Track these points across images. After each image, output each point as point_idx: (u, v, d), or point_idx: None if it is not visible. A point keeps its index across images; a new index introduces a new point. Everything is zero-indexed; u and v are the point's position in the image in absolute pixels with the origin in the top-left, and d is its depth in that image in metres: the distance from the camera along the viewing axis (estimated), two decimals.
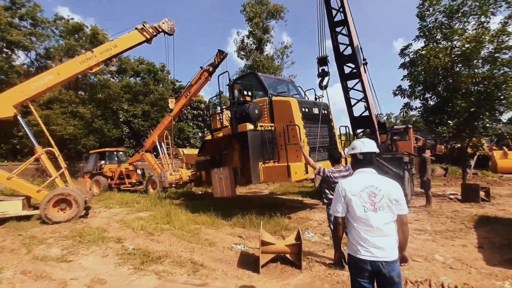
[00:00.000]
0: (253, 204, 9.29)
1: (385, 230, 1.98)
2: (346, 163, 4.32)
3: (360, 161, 2.25)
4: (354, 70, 9.13)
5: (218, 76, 7.67)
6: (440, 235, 5.45)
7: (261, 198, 11.33)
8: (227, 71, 7.71)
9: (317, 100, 8.72)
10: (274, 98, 7.42)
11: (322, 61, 7.19)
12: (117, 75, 27.47)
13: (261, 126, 6.95)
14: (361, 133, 10.34)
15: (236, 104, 7.50)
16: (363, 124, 9.87)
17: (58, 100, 20.52)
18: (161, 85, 31.87)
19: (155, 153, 16.40)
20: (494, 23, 8.98)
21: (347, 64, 9.51)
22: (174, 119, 14.42)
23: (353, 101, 10.06)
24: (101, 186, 14.72)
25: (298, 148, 6.59)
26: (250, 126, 6.71)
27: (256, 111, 6.95)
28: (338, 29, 8.87)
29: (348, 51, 9.22)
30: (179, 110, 14.12)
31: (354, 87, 9.69)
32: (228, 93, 9.22)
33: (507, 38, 8.37)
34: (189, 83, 13.82)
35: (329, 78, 7.23)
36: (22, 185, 8.18)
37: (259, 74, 8.29)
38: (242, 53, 23.67)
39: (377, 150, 2.28)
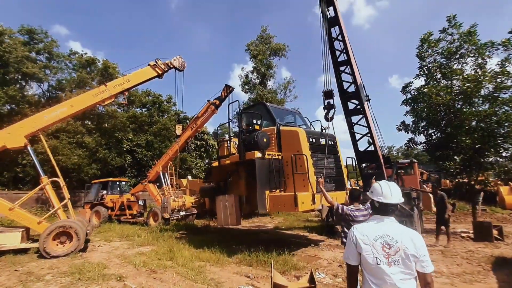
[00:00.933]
0: (259, 240, 9.00)
1: (402, 287, 1.76)
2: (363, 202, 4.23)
3: (377, 209, 2.09)
4: (358, 107, 9.39)
5: (228, 105, 7.94)
6: (458, 278, 5.19)
7: (266, 232, 10.98)
8: (237, 100, 7.99)
9: (323, 131, 8.87)
10: (282, 127, 7.55)
11: (328, 94, 7.45)
12: (124, 107, 28.23)
13: (268, 154, 6.99)
14: (366, 167, 10.35)
15: (244, 132, 7.61)
16: (368, 158, 9.90)
17: (65, 130, 20.88)
18: (165, 116, 32.66)
19: (157, 184, 16.30)
20: (492, 64, 9.41)
21: (351, 101, 9.83)
22: (180, 150, 14.54)
23: (357, 136, 10.21)
24: (101, 217, 14.40)
25: (305, 178, 6.55)
26: (258, 154, 6.76)
27: (265, 140, 7.04)
28: (341, 68, 9.29)
29: (351, 88, 9.58)
30: (184, 141, 14.30)
31: (358, 122, 9.90)
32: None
33: (505, 79, 8.70)
34: (196, 115, 14.17)
35: (334, 111, 7.42)
36: (23, 216, 8.01)
37: (268, 104, 8.53)
38: (246, 87, 24.54)
39: (400, 201, 2.06)
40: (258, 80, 23.47)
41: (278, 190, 6.82)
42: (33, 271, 6.18)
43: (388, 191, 2.06)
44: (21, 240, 7.84)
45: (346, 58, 8.92)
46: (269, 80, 24.09)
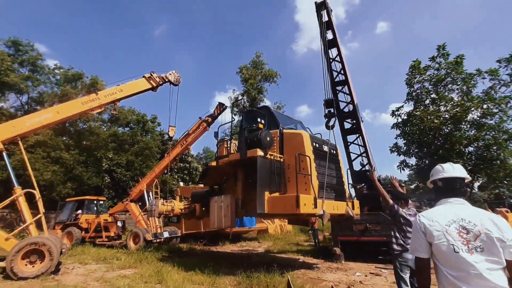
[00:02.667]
0: (252, 262, 8.35)
1: (490, 278, 1.47)
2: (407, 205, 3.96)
3: (441, 189, 1.85)
4: (354, 126, 9.53)
5: (232, 103, 7.72)
6: None
7: (259, 256, 10.30)
8: (242, 98, 7.82)
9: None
10: (285, 130, 7.38)
11: (329, 103, 7.47)
12: (108, 124, 27.26)
13: (270, 155, 6.73)
14: (360, 188, 10.30)
15: (247, 131, 7.35)
16: (363, 178, 9.88)
17: (44, 144, 19.57)
18: (148, 135, 31.74)
19: (140, 204, 15.25)
20: (477, 91, 10.06)
21: (347, 120, 10.00)
22: (168, 167, 13.90)
23: (352, 156, 10.26)
24: (74, 238, 13.00)
25: (308, 180, 6.28)
26: (260, 152, 6.47)
27: (268, 139, 6.81)
28: (339, 88, 9.54)
29: (347, 108, 9.79)
30: (173, 158, 13.71)
31: (354, 142, 9.99)
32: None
33: (492, 106, 9.25)
34: (187, 132, 13.79)
35: (335, 119, 7.40)
36: None
37: (271, 108, 8.42)
38: (236, 109, 24.65)
39: (466, 177, 1.86)
40: (248, 103, 23.68)
41: (277, 193, 6.48)
42: None
43: (450, 166, 1.87)
44: None
45: (343, 78, 9.21)
46: (259, 104, 24.40)
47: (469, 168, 9.32)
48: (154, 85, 10.82)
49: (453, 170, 1.85)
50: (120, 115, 26.29)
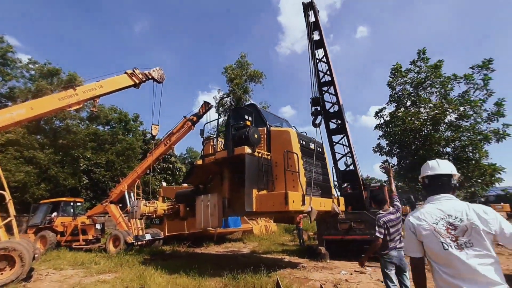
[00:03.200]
0: (238, 263, 8.22)
1: (484, 273, 1.46)
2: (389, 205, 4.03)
3: (428, 186, 1.85)
4: (339, 127, 9.65)
5: (219, 101, 7.55)
6: None
7: (244, 256, 10.18)
8: (230, 95, 7.68)
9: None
10: (272, 128, 7.32)
11: (316, 101, 7.49)
12: (86, 122, 26.10)
13: (258, 152, 6.65)
14: (344, 187, 10.44)
15: (234, 128, 7.24)
16: (348, 178, 10.02)
17: (16, 143, 18.40)
18: (130, 135, 30.71)
19: (120, 205, 14.68)
20: (454, 95, 10.50)
21: (332, 121, 10.11)
22: (150, 167, 13.48)
23: (338, 156, 10.39)
24: (48, 243, 12.28)
25: (295, 178, 6.27)
26: (248, 150, 6.37)
27: (256, 136, 6.73)
28: (325, 88, 9.63)
29: (333, 109, 9.90)
30: (156, 157, 13.30)
31: (339, 142, 10.12)
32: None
33: (468, 108, 9.67)
34: (171, 131, 13.40)
35: (322, 117, 7.42)
36: None
37: (258, 106, 8.34)
38: (221, 109, 24.39)
39: (452, 173, 1.82)
40: (234, 103, 23.51)
41: (265, 191, 6.42)
42: None
43: (435, 163, 1.89)
44: None
45: (329, 79, 9.30)
46: (244, 104, 24.32)
47: None
48: (137, 81, 10.44)
49: (438, 167, 1.86)
50: (100, 113, 25.28)
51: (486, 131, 9.90)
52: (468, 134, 10.05)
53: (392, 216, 3.79)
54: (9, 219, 7.22)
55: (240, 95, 23.33)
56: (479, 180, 9.72)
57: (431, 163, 1.92)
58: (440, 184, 1.80)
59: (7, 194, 7.33)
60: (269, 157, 6.94)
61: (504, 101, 10.05)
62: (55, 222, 13.26)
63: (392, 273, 3.65)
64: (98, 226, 13.84)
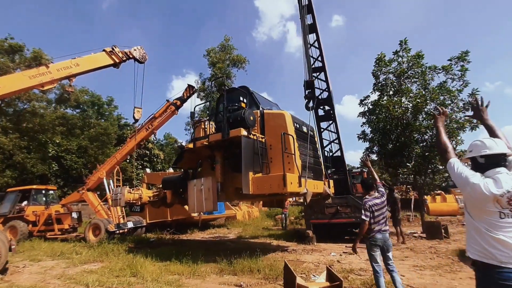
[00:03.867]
0: (228, 249, 8.22)
1: None
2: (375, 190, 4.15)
3: (482, 165, 1.86)
4: (330, 113, 9.75)
5: (212, 81, 7.26)
6: (440, 269, 5.46)
7: (233, 242, 10.21)
8: (223, 76, 7.40)
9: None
10: (266, 111, 7.22)
11: (309, 84, 7.45)
12: (53, 104, 24.17)
13: (253, 135, 6.56)
14: (331, 173, 10.69)
15: (229, 110, 7.04)
16: (334, 163, 10.26)
17: None
18: (103, 120, 29.04)
19: (98, 193, 14.00)
20: (434, 85, 10.93)
21: (320, 107, 10.19)
22: (131, 152, 12.88)
23: (325, 142, 10.56)
24: (18, 233, 11.45)
25: (291, 160, 6.31)
26: (244, 132, 6.25)
27: (252, 118, 6.63)
28: (315, 74, 9.60)
29: (322, 96, 9.95)
30: (138, 143, 12.70)
31: (327, 128, 10.27)
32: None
33: (447, 97, 10.14)
34: (153, 115, 12.78)
35: (315, 100, 7.43)
36: None
37: (250, 89, 8.15)
38: (202, 94, 23.71)
39: (509, 151, 1.87)
40: (215, 88, 22.90)
41: (260, 174, 6.39)
42: None
43: (492, 142, 1.87)
44: None
45: (320, 65, 9.27)
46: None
47: (426, 154, 10.23)
48: (117, 61, 9.73)
49: (497, 146, 1.84)
50: (71, 95, 23.49)
51: (461, 120, 10.50)
52: (445, 122, 10.61)
53: (377, 201, 3.98)
54: None
55: (222, 80, 22.76)
56: None
57: (487, 142, 1.88)
58: (496, 163, 1.81)
59: None
60: (263, 140, 6.86)
61: (478, 91, 10.67)
62: (26, 212, 12.38)
63: (376, 254, 3.87)
64: (74, 215, 13.08)
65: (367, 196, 4.07)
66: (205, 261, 6.54)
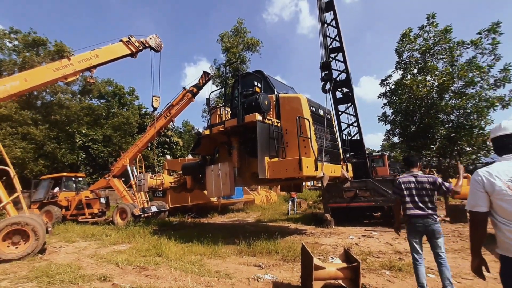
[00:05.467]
0: (247, 232, 8.45)
1: None
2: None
3: (506, 146, 1.83)
4: (349, 95, 9.44)
5: (226, 67, 7.25)
6: (463, 252, 5.33)
7: (251, 225, 10.46)
8: (237, 61, 7.36)
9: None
10: (281, 95, 7.14)
11: (326, 65, 7.22)
12: (78, 96, 25.18)
13: (268, 119, 6.55)
14: (349, 157, 10.48)
15: (243, 95, 7.04)
16: (354, 147, 10.03)
17: (9, 119, 17.79)
18: (125, 109, 29.98)
19: (123, 179, 14.69)
20: (462, 62, 10.23)
21: (338, 90, 9.88)
22: (152, 139, 13.30)
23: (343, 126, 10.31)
24: (54, 217, 12.39)
25: (307, 144, 6.23)
26: (259, 117, 6.27)
27: (266, 102, 6.59)
28: (332, 55, 9.26)
29: (340, 77, 9.61)
30: (157, 131, 13.06)
31: (346, 111, 9.99)
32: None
33: (471, 74, 9.48)
34: (170, 103, 13.05)
35: (332, 82, 7.22)
36: None
37: (265, 73, 8.07)
38: (218, 80, 23.69)
39: None
40: (230, 74, 22.77)
41: (276, 158, 6.41)
42: None
43: (509, 123, 1.86)
44: None
45: (338, 45, 8.91)
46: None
47: (451, 135, 9.74)
48: (134, 50, 9.89)
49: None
50: (93, 87, 24.33)
51: (492, 97, 9.84)
52: (473, 101, 9.98)
53: (412, 179, 3.49)
54: (16, 194, 7.11)
55: (237, 66, 22.57)
56: (482, 147, 9.85)
57: (503, 123, 1.88)
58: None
59: (11, 170, 7.15)
60: (278, 125, 6.82)
61: (511, 66, 9.89)
62: (59, 197, 13.29)
63: (415, 241, 3.38)
64: (102, 200, 13.89)
65: (403, 174, 3.87)
66: (225, 243, 6.77)
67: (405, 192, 3.47)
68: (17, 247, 6.22)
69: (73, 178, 14.69)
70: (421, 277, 3.28)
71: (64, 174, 14.54)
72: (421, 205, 3.38)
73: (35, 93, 20.73)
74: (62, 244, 8.01)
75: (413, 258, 3.40)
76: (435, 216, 3.32)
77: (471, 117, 9.88)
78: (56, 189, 13.84)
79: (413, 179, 3.50)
